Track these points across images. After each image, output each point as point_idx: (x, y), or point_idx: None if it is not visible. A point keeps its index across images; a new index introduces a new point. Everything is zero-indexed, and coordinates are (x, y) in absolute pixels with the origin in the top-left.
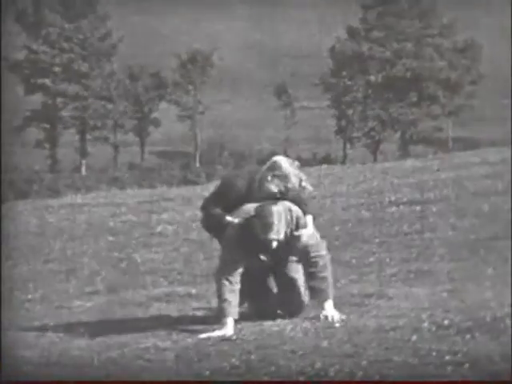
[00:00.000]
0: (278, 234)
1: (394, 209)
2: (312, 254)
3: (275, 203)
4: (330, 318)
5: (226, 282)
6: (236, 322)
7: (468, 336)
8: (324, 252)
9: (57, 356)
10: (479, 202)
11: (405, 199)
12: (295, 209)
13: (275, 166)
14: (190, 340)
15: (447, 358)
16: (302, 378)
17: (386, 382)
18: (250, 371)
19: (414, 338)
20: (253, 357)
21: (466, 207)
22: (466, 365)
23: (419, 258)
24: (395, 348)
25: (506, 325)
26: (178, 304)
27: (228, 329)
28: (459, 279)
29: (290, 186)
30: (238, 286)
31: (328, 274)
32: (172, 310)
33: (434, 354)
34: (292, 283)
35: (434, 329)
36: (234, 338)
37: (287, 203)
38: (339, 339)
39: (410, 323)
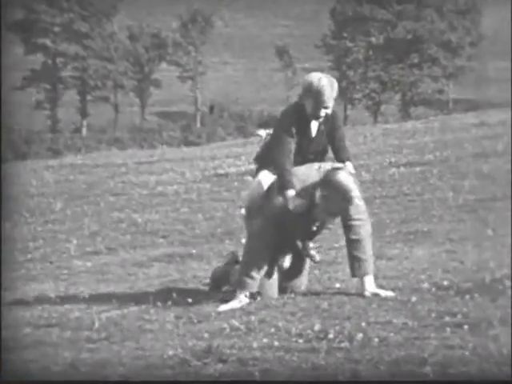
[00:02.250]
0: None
1: (393, 170)
2: (355, 217)
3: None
4: (382, 294)
5: (256, 258)
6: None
7: (467, 297)
8: (366, 217)
9: (57, 318)
10: (479, 163)
11: (405, 161)
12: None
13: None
14: (189, 300)
15: (446, 319)
16: (301, 340)
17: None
18: (249, 333)
19: (414, 298)
20: (253, 318)
21: (465, 168)
22: (465, 326)
23: (419, 219)
24: (394, 309)
25: (505, 286)
26: (178, 264)
27: (242, 302)
28: (459, 240)
29: None
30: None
31: (369, 243)
32: (172, 271)
33: (433, 315)
34: (303, 264)
35: (433, 290)
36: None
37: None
38: (339, 301)
39: (409, 284)
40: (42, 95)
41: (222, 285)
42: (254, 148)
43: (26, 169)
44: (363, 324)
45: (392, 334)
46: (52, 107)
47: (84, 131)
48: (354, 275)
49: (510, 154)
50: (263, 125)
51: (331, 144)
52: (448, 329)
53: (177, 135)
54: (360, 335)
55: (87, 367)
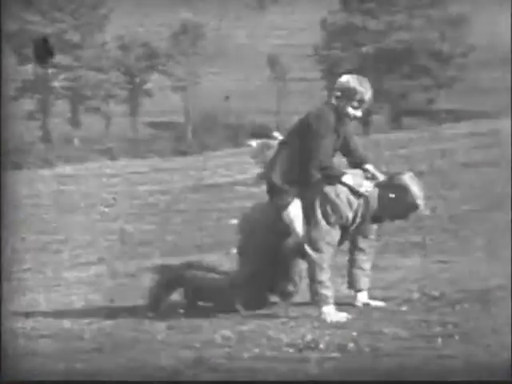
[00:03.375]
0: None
1: None
2: (374, 231)
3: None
4: (373, 304)
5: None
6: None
7: (458, 307)
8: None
9: (49, 328)
10: (470, 173)
11: (396, 170)
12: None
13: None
14: (181, 311)
15: (437, 329)
16: (291, 350)
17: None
18: (241, 343)
19: (405, 309)
20: (244, 328)
21: (456, 178)
22: (456, 336)
23: (410, 229)
24: (385, 319)
25: (496, 296)
26: None
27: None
28: (450, 250)
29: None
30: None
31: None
32: None
33: (424, 325)
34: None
35: (424, 300)
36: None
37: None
38: None
39: (400, 294)
40: (33, 105)
41: (162, 302)
42: (246, 158)
43: (18, 179)
44: (354, 334)
45: (383, 344)
46: (44, 117)
47: (76, 142)
48: (352, 287)
49: (501, 163)
50: (255, 135)
51: (348, 147)
52: (439, 339)
53: (168, 145)
54: (351, 345)
55: (79, 378)
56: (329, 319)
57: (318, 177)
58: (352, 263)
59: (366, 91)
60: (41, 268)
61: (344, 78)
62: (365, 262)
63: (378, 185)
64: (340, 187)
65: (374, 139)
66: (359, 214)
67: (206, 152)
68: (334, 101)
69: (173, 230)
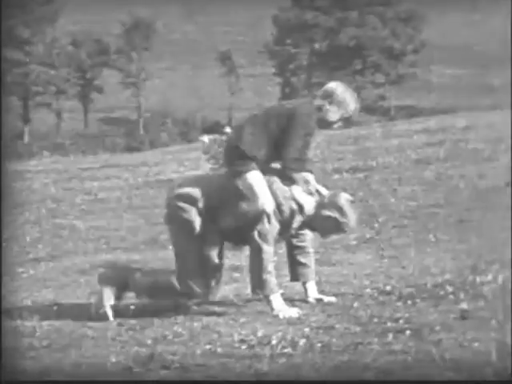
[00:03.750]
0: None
1: (336, 176)
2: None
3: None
4: (325, 299)
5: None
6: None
7: (409, 302)
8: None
9: None
10: (421, 169)
11: (347, 166)
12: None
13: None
14: (132, 307)
15: (389, 324)
16: (243, 347)
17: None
18: (192, 339)
19: (356, 304)
20: (195, 324)
21: (408, 174)
22: (408, 331)
23: (361, 224)
24: (337, 315)
25: (446, 291)
26: None
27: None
28: (401, 246)
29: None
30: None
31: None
32: None
33: (375, 320)
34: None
35: (375, 295)
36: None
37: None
38: None
39: (352, 290)
40: None
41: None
42: (198, 154)
43: None
44: (306, 329)
45: (334, 340)
46: None
47: (26, 137)
48: (296, 279)
49: (451, 160)
50: (206, 131)
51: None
52: (390, 334)
53: (120, 141)
54: (303, 341)
55: (29, 375)
56: (281, 315)
57: (291, 167)
58: (292, 258)
59: (355, 107)
60: None
61: (338, 87)
62: (300, 255)
63: (318, 203)
64: (288, 189)
65: (325, 134)
66: (293, 222)
67: (158, 147)
68: (320, 102)
69: (124, 226)
